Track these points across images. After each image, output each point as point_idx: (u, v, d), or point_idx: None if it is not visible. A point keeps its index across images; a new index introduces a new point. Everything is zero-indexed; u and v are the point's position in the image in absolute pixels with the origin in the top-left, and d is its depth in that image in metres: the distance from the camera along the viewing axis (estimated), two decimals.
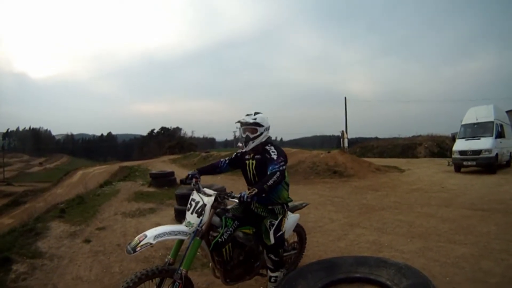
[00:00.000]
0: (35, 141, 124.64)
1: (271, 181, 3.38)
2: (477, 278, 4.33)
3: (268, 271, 3.78)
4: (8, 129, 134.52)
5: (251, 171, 3.84)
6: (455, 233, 6.33)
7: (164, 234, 3.19)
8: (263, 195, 3.41)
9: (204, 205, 3.39)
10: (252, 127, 3.76)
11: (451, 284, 4.13)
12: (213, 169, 4.11)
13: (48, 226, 7.88)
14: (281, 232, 3.76)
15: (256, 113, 3.84)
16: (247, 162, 3.90)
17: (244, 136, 3.79)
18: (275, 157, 3.62)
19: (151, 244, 3.09)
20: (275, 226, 3.73)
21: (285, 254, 4.28)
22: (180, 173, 16.86)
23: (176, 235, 3.25)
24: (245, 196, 3.24)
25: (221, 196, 3.39)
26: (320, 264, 3.85)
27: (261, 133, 3.77)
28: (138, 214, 9.27)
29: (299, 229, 4.63)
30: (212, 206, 3.37)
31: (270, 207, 3.78)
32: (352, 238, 6.40)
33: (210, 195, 3.42)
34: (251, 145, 3.77)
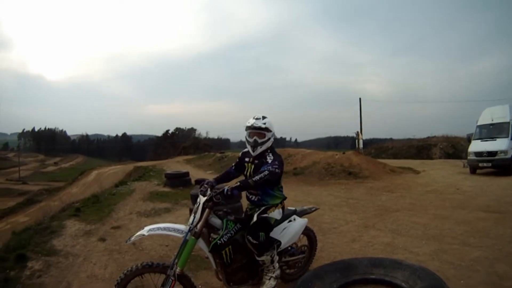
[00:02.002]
0: (51, 141, 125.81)
1: (257, 177, 3.48)
2: (491, 282, 4.35)
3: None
4: (24, 129, 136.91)
5: (249, 175, 3.85)
6: (470, 236, 6.33)
7: (159, 229, 3.46)
8: (247, 189, 3.59)
9: (199, 204, 3.49)
10: (260, 132, 3.76)
11: (465, 287, 4.17)
12: (227, 176, 4.12)
13: (63, 224, 8.03)
14: (265, 215, 3.76)
15: (264, 117, 3.84)
16: (246, 165, 3.95)
17: (251, 140, 3.79)
18: (269, 160, 3.69)
19: (143, 235, 3.41)
20: (261, 210, 3.79)
21: (292, 258, 4.35)
22: (195, 174, 17.04)
23: (170, 231, 3.44)
24: (226, 189, 3.38)
25: (216, 196, 3.42)
26: (335, 265, 3.90)
27: (269, 139, 3.80)
28: (153, 214, 9.40)
29: (309, 232, 4.66)
30: (208, 206, 3.43)
31: (261, 205, 3.83)
32: (366, 240, 6.45)
33: (207, 196, 3.49)
34: (259, 150, 3.79)
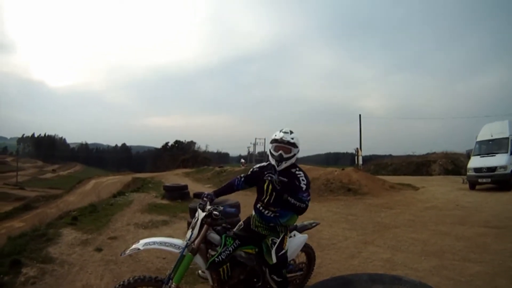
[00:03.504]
0: (50, 148, 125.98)
1: (294, 201, 3.37)
2: None
3: None
4: (23, 134, 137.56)
5: (269, 193, 3.62)
6: (470, 251, 6.31)
7: (155, 243, 3.36)
8: (279, 198, 3.43)
9: (197, 219, 3.41)
10: (287, 147, 3.62)
11: None
12: (230, 189, 3.97)
13: (59, 232, 8.02)
14: (283, 251, 3.63)
15: (292, 132, 3.70)
16: (267, 180, 3.58)
17: (276, 154, 3.62)
18: (304, 187, 3.54)
19: (138, 249, 3.31)
20: (277, 244, 3.63)
21: (290, 274, 4.22)
22: (194, 187, 17.01)
23: (167, 246, 3.34)
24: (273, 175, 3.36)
25: (214, 212, 3.32)
26: (335, 281, 3.84)
27: (294, 155, 3.67)
28: (151, 226, 9.38)
29: (307, 249, 4.59)
30: (206, 222, 3.34)
31: (271, 224, 3.69)
32: (365, 256, 6.40)
33: (206, 211, 3.40)
34: (283, 165, 3.63)
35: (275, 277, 3.56)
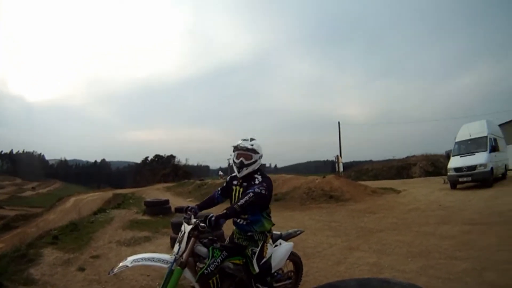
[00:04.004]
0: (28, 165, 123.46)
1: (242, 201, 3.32)
2: None
3: None
4: (1, 151, 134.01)
5: (236, 198, 3.74)
6: (456, 249, 6.29)
7: (143, 259, 3.27)
8: (235, 216, 3.47)
9: (184, 233, 3.34)
10: (247, 153, 3.69)
11: None
12: (211, 202, 4.01)
13: (40, 252, 7.73)
14: (264, 259, 3.65)
15: (252, 139, 3.78)
16: (233, 187, 3.83)
17: (237, 161, 3.70)
18: (257, 182, 3.60)
19: (126, 266, 3.22)
20: (256, 253, 3.64)
21: (279, 284, 4.20)
22: (175, 202, 16.86)
23: (155, 262, 3.27)
24: (211, 216, 3.22)
25: (201, 224, 3.25)
26: None
27: (255, 161, 3.70)
28: (133, 243, 9.14)
29: (294, 258, 4.54)
30: (193, 235, 3.29)
31: (249, 234, 3.69)
32: (352, 262, 6.32)
33: (191, 224, 3.35)
34: (244, 171, 3.68)
35: (259, 286, 3.54)
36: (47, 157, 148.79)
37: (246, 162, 3.67)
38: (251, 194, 3.36)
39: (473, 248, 6.19)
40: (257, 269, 3.57)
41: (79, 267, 6.82)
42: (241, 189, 3.72)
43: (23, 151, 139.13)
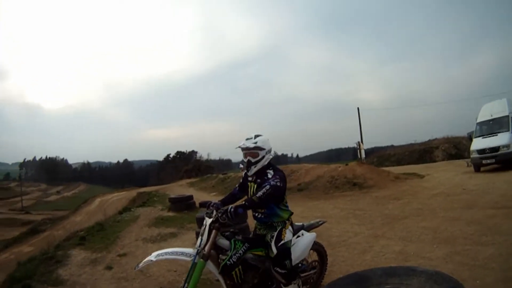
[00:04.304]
0: (52, 170, 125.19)
1: (260, 193, 3.45)
2: (508, 278, 4.30)
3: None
4: (25, 159, 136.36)
5: (252, 194, 3.84)
6: (482, 234, 6.27)
7: (167, 254, 3.45)
8: (254, 207, 3.55)
9: (205, 226, 3.47)
10: (253, 152, 3.78)
11: (482, 287, 4.12)
12: (233, 198, 4.13)
13: (68, 253, 7.94)
14: (283, 241, 3.71)
15: (256, 136, 3.85)
16: (249, 184, 3.94)
17: (245, 160, 3.81)
18: (270, 176, 3.70)
19: (151, 261, 3.41)
20: (275, 237, 3.73)
21: (304, 274, 4.27)
22: (199, 196, 16.94)
23: (178, 255, 3.42)
24: (230, 208, 3.35)
25: (222, 216, 3.38)
26: (349, 278, 3.83)
27: (263, 157, 3.79)
28: (159, 239, 9.30)
29: (318, 248, 4.62)
30: (214, 228, 3.41)
31: (268, 223, 3.81)
32: (377, 250, 6.38)
33: (212, 217, 3.48)
34: (253, 169, 3.80)
35: (278, 269, 3.62)
36: (70, 161, 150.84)
37: (253, 160, 3.78)
38: (268, 186, 3.49)
39: (499, 233, 6.16)
40: (275, 251, 3.67)
41: (107, 265, 7.01)
42: (255, 185, 3.82)
43: (46, 157, 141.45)
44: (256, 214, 3.89)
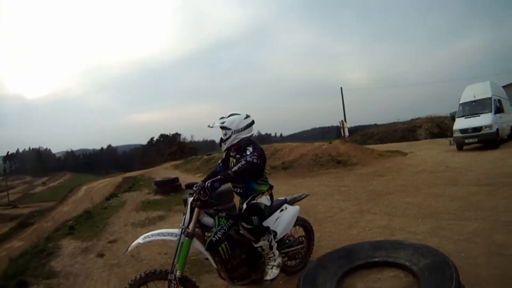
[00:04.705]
0: (36, 161, 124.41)
1: (235, 168, 3.52)
2: (491, 252, 4.38)
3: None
4: (8, 152, 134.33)
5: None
6: (465, 210, 6.38)
7: (153, 235, 3.52)
8: (230, 181, 3.60)
9: (188, 205, 3.51)
10: (223, 131, 3.93)
11: (466, 259, 4.18)
12: (216, 175, 4.06)
13: (59, 244, 7.90)
14: (255, 201, 3.84)
15: (231, 115, 3.97)
16: (230, 159, 4.11)
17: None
18: (248, 152, 3.79)
19: (139, 243, 3.46)
20: (248, 199, 3.87)
21: (291, 248, 4.38)
22: (185, 178, 16.91)
23: (165, 236, 3.50)
24: (207, 183, 3.39)
25: (200, 192, 3.41)
26: (338, 253, 3.89)
27: (230, 136, 3.90)
28: (148, 223, 9.29)
29: (303, 223, 4.69)
30: (196, 205, 3.44)
31: (247, 195, 3.91)
32: (363, 225, 6.45)
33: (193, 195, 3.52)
34: (224, 146, 3.97)
35: (244, 224, 3.65)
36: (53, 151, 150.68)
37: (224, 138, 3.94)
38: (243, 162, 3.55)
39: (481, 209, 6.27)
40: (245, 206, 3.82)
41: (98, 253, 6.99)
42: (234, 160, 3.95)
43: (30, 148, 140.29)
44: (236, 189, 4.03)
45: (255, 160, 3.61)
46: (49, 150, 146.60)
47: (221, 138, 3.95)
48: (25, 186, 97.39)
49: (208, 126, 3.93)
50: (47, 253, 7.24)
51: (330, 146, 17.21)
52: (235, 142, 3.90)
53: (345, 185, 11.00)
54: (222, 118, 3.95)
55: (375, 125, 46.52)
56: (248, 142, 3.93)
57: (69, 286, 5.52)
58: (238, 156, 3.89)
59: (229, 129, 3.87)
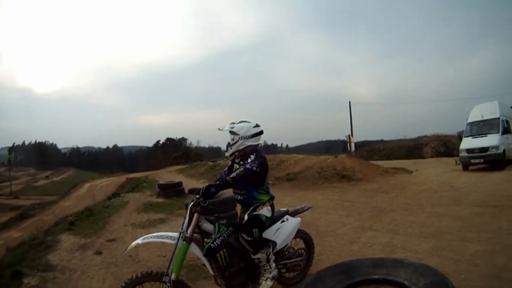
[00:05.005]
0: (41, 155, 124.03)
1: (233, 174, 3.61)
2: (492, 274, 4.36)
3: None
4: (14, 143, 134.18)
5: None
6: (467, 231, 6.36)
7: (152, 237, 3.55)
8: (228, 187, 3.63)
9: (187, 209, 3.53)
10: (231, 136, 3.95)
11: (466, 282, 4.17)
12: None
13: (58, 239, 7.89)
14: (255, 212, 3.82)
15: (241, 122, 4.01)
16: (235, 165, 4.08)
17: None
18: (249, 160, 3.86)
19: (138, 243, 3.51)
20: (250, 210, 3.84)
21: (290, 260, 4.36)
22: (188, 183, 16.93)
23: (163, 238, 3.51)
24: (203, 187, 3.44)
25: (200, 198, 3.45)
26: (338, 268, 3.89)
27: (236, 141, 3.93)
28: (148, 225, 9.28)
29: (304, 235, 4.69)
30: (196, 211, 3.46)
31: (248, 203, 3.90)
32: (364, 241, 6.44)
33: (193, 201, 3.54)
34: (230, 151, 3.99)
35: (244, 236, 3.64)
36: (59, 146, 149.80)
37: (231, 143, 3.97)
38: (242, 169, 3.64)
39: (485, 231, 6.25)
40: (246, 218, 3.80)
41: (96, 251, 6.98)
42: (238, 167, 3.94)
43: (36, 141, 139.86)
44: (236, 196, 4.03)
45: (254, 168, 3.66)
46: (55, 145, 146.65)
47: (228, 143, 3.99)
48: (28, 178, 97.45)
49: (218, 129, 3.99)
50: (45, 246, 7.25)
51: (335, 160, 17.21)
52: (241, 148, 3.93)
53: (348, 200, 10.98)
54: (232, 123, 3.99)
55: (382, 141, 46.33)
56: (253, 151, 3.97)
57: (64, 280, 5.51)
58: (241, 163, 3.92)
59: (237, 134, 3.91)
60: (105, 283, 5.37)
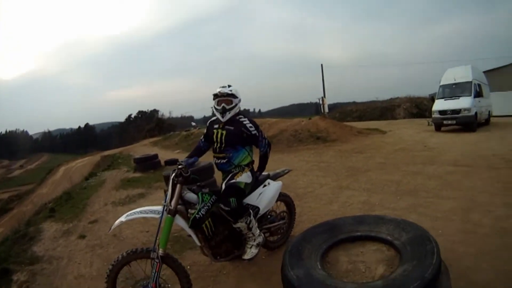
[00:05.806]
0: (13, 144, 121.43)
1: (262, 148, 4.02)
2: (467, 230, 4.54)
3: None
4: None
5: (219, 141, 3.93)
6: (442, 189, 6.56)
7: (136, 213, 3.49)
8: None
9: (170, 181, 3.47)
10: (228, 99, 3.88)
11: (444, 236, 4.31)
12: (199, 152, 4.19)
13: (40, 228, 7.75)
14: (233, 181, 3.81)
15: (229, 86, 3.96)
16: (214, 131, 4.00)
17: (219, 107, 3.89)
18: (256, 133, 3.92)
19: (121, 221, 3.44)
20: (228, 177, 3.87)
21: (273, 224, 4.42)
22: (164, 155, 16.86)
23: (147, 213, 3.44)
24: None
25: (184, 170, 3.43)
26: (322, 227, 3.93)
27: (236, 104, 3.93)
28: (128, 201, 9.19)
29: (285, 198, 4.73)
30: (178, 182, 3.41)
31: (228, 170, 3.94)
32: (343, 200, 6.56)
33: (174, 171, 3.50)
34: (227, 115, 3.89)
35: (222, 206, 3.65)
36: (30, 132, 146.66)
37: (227, 107, 3.88)
38: (261, 138, 4.00)
39: (459, 189, 6.45)
40: (223, 187, 3.82)
41: (80, 234, 6.88)
42: (224, 132, 3.90)
43: (6, 131, 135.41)
44: (218, 161, 3.99)
45: (266, 141, 4.04)
46: (26, 131, 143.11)
47: (224, 107, 3.86)
48: (2, 170, 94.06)
49: (216, 93, 3.90)
50: (29, 238, 7.09)
51: (309, 122, 17.28)
52: (237, 111, 3.95)
53: (324, 161, 11.12)
54: (223, 87, 3.93)
55: (354, 102, 46.72)
56: (238, 113, 3.98)
57: (53, 270, 5.41)
58: (231, 127, 3.88)
59: (236, 97, 3.91)
60: (92, 266, 5.30)
